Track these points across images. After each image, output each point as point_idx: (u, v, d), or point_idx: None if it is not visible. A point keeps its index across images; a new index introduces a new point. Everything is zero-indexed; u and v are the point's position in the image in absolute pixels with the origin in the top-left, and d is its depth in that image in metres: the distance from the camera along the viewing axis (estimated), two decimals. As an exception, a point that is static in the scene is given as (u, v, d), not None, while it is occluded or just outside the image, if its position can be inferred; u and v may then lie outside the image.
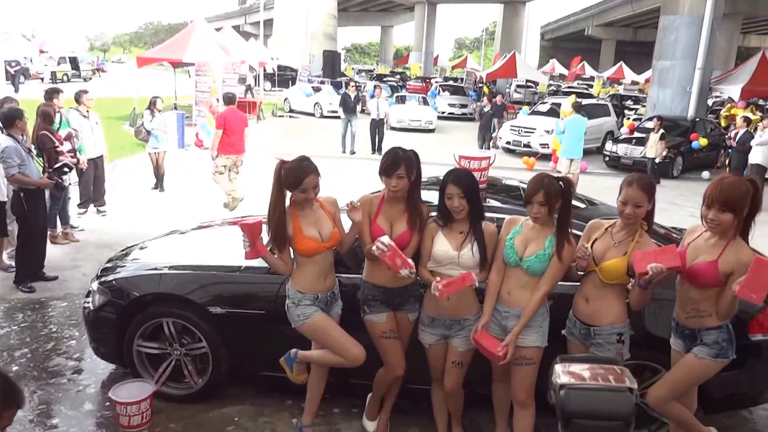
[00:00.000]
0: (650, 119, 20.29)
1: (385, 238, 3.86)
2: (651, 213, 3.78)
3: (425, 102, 29.37)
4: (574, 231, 4.02)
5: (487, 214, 4.26)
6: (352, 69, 65.37)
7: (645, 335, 4.34)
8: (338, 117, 29.65)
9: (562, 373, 2.64)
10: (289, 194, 4.01)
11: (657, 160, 15.91)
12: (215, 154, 10.81)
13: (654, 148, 15.85)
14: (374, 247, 3.84)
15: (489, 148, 19.12)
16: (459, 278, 3.78)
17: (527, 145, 20.15)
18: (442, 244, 3.97)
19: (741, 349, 4.00)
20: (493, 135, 20.89)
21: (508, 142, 20.84)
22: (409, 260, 3.86)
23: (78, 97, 9.79)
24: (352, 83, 20.70)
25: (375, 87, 23.19)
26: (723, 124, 21.74)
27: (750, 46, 66.51)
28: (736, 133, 15.37)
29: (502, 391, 4.29)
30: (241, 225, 3.98)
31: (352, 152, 18.79)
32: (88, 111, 9.77)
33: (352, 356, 4.12)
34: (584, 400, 2.57)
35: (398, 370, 4.25)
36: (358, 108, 19.28)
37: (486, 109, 19.32)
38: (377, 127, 19.16)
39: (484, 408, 4.54)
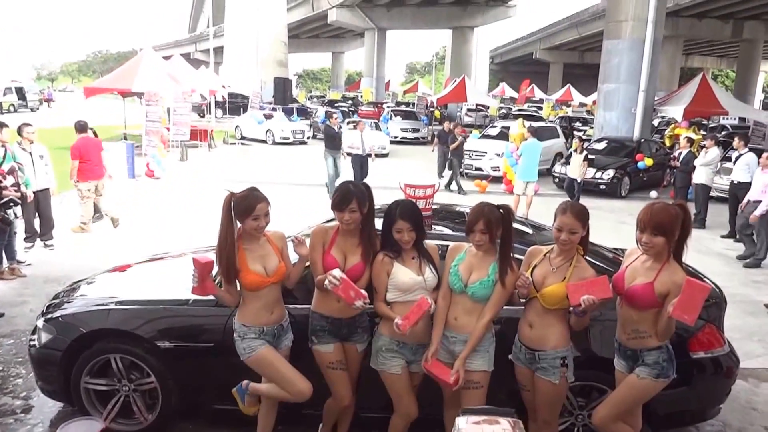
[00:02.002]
0: (598, 141, 20.75)
1: (337, 272, 3.88)
2: (585, 238, 3.90)
3: (377, 127, 29.52)
4: (518, 256, 4.10)
5: (436, 241, 4.32)
6: (305, 96, 65.43)
7: (591, 356, 4.43)
8: (291, 144, 29.79)
9: (462, 428, 2.81)
10: (237, 226, 4.03)
11: (579, 180, 15.94)
12: (75, 182, 11.23)
13: (577, 169, 15.81)
14: (326, 282, 3.87)
15: (458, 178, 18.51)
16: (415, 307, 3.84)
17: (479, 168, 20.38)
18: (405, 274, 4.01)
19: (683, 366, 4.13)
20: (463, 163, 19.84)
21: (460, 166, 20.99)
22: (362, 291, 3.90)
23: (20, 131, 9.68)
24: (334, 114, 18.43)
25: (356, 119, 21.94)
26: (668, 143, 22.29)
27: (693, 66, 68.54)
28: (680, 153, 15.67)
29: (453, 416, 4.32)
30: (194, 260, 3.97)
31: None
32: (31, 143, 9.66)
33: (296, 391, 4.13)
34: None
35: (345, 401, 4.26)
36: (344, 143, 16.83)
37: (459, 137, 18.45)
38: (362, 163, 16.92)
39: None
